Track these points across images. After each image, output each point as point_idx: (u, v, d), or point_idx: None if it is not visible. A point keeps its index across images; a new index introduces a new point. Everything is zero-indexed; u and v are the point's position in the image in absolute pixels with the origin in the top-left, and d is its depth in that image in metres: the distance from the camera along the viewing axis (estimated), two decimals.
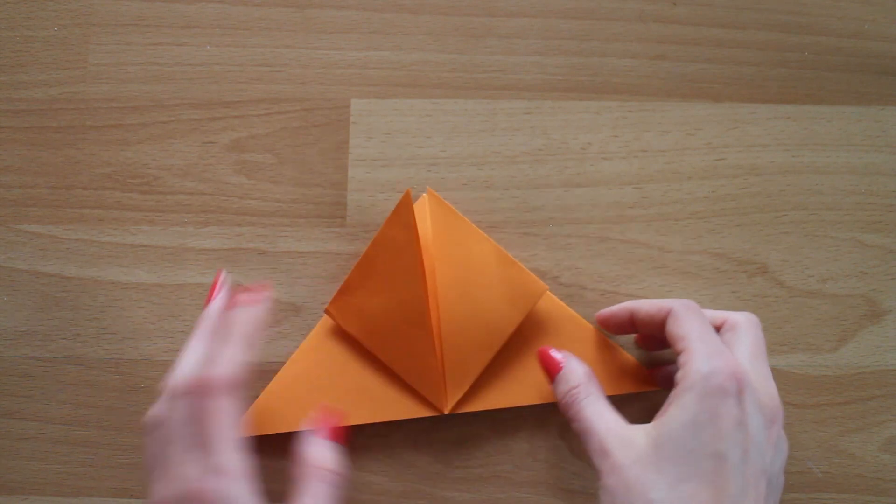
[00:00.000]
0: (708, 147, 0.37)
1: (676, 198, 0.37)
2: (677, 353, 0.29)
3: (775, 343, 0.36)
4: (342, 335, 0.35)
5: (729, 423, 0.27)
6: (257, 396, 0.35)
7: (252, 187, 0.37)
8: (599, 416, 0.29)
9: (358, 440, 0.35)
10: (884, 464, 0.36)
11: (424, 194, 0.36)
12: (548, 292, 0.34)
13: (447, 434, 0.36)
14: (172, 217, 0.37)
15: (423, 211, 0.35)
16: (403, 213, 0.33)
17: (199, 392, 0.28)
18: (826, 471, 0.36)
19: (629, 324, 0.33)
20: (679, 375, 0.29)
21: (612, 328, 0.34)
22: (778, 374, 0.36)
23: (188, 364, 0.29)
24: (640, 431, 0.28)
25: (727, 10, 0.38)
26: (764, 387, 0.29)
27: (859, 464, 0.36)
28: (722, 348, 0.29)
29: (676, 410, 0.28)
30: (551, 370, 0.32)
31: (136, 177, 0.37)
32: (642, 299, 0.34)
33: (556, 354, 0.32)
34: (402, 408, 0.34)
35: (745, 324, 0.31)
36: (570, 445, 0.36)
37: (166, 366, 0.36)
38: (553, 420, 0.36)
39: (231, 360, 0.29)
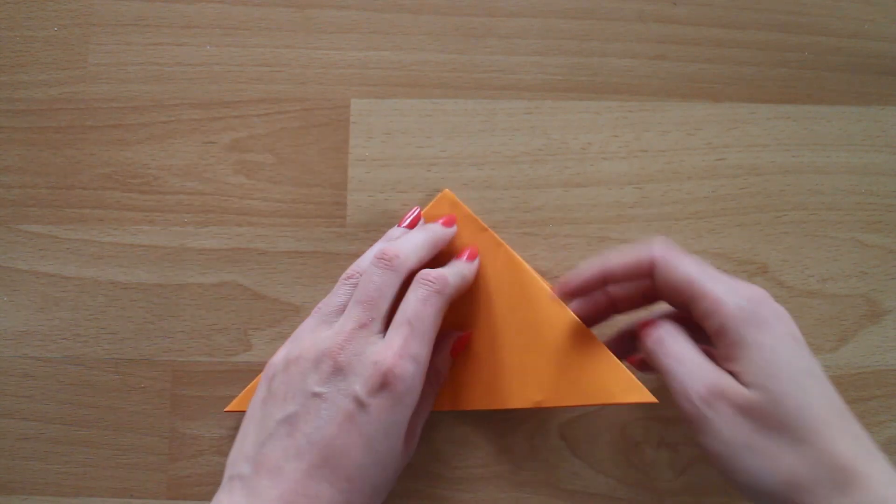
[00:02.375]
0: (708, 147, 0.37)
1: (676, 198, 0.37)
2: (684, 300, 0.28)
3: None
4: None
5: (790, 340, 0.27)
6: None
7: (252, 187, 0.37)
8: (693, 360, 0.29)
9: None
10: None
11: (439, 193, 0.36)
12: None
13: (447, 434, 0.36)
14: (172, 217, 0.37)
15: (440, 209, 0.36)
16: (438, 212, 0.35)
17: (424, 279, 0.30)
18: None
19: (601, 287, 0.31)
20: (716, 323, 0.27)
21: (586, 308, 0.32)
22: None
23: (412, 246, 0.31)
24: (735, 378, 0.27)
25: (727, 10, 0.38)
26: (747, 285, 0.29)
27: None
28: (727, 276, 0.28)
29: (752, 351, 0.27)
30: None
31: (136, 177, 0.37)
32: (608, 254, 0.31)
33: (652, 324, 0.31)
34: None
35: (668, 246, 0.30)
36: (570, 445, 0.36)
37: (166, 366, 0.36)
38: (553, 420, 0.36)
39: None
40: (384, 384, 0.27)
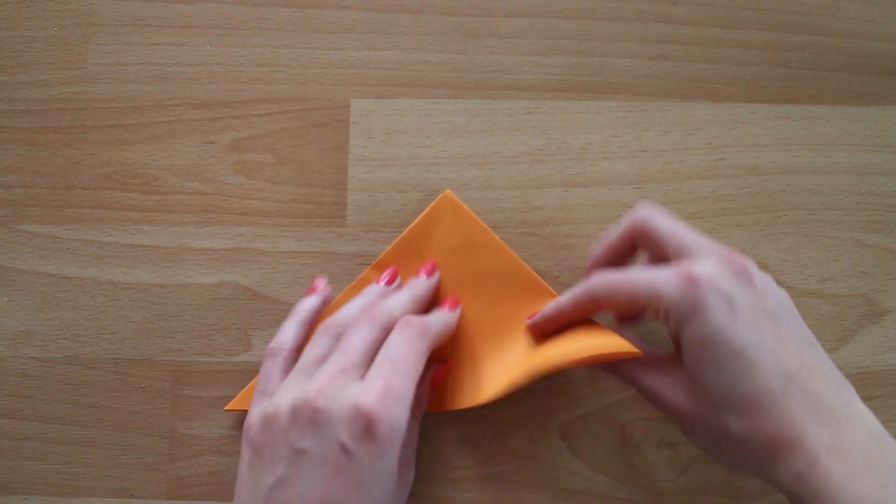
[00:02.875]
0: (708, 147, 0.37)
1: (676, 198, 0.37)
2: (673, 259, 0.29)
3: None
4: None
5: (724, 319, 0.27)
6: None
7: (252, 187, 0.37)
8: (649, 376, 0.29)
9: None
10: None
11: (440, 193, 0.36)
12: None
13: (447, 434, 0.36)
14: (172, 217, 0.37)
15: (441, 210, 0.36)
16: (438, 215, 0.35)
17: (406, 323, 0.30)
18: None
19: (591, 310, 0.31)
20: (664, 314, 0.28)
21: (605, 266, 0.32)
22: None
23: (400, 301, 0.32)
24: (680, 371, 0.28)
25: (727, 10, 0.38)
26: (717, 262, 0.28)
27: None
28: (705, 239, 0.29)
29: (686, 346, 0.27)
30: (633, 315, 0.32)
31: (136, 177, 0.37)
32: (602, 236, 0.32)
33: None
34: None
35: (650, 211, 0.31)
36: (570, 445, 0.36)
37: (166, 366, 0.36)
38: (553, 420, 0.36)
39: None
40: (368, 429, 0.26)
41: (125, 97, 0.38)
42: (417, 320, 0.30)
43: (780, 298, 0.28)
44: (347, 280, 0.36)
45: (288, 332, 0.32)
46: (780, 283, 0.36)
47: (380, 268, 0.35)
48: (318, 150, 0.37)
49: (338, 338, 0.31)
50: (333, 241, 0.37)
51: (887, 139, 0.37)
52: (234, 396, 0.35)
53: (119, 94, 0.38)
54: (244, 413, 0.36)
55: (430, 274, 0.34)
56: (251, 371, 0.36)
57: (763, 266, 0.36)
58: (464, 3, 0.38)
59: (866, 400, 0.36)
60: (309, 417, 0.27)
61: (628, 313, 0.32)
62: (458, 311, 0.34)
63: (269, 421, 0.28)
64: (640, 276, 0.28)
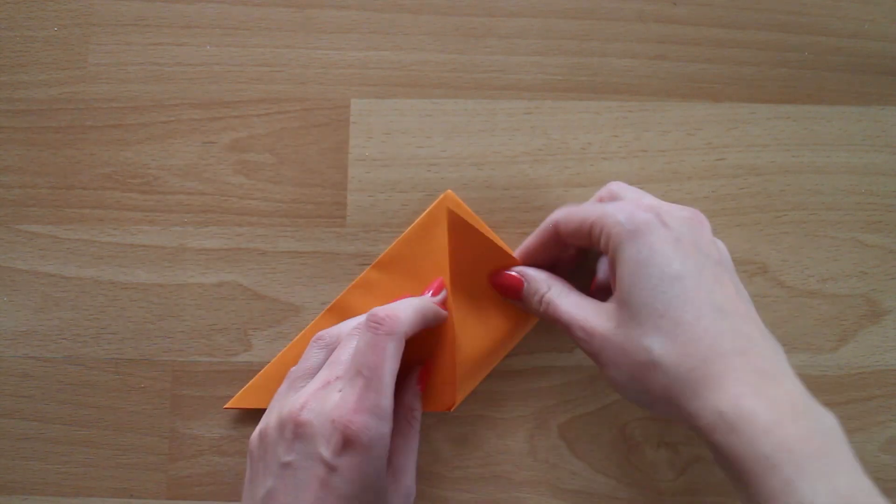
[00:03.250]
0: (708, 147, 0.37)
1: (676, 198, 0.37)
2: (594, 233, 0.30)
3: None
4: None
5: (667, 246, 0.27)
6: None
7: (252, 187, 0.37)
8: (574, 306, 0.30)
9: None
10: (884, 464, 0.36)
11: (443, 194, 0.36)
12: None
13: (447, 434, 0.36)
14: (172, 217, 0.37)
15: (441, 212, 0.36)
16: (439, 215, 0.35)
17: (380, 327, 0.29)
18: None
19: (554, 242, 0.32)
20: (604, 239, 0.29)
21: (537, 256, 0.33)
22: None
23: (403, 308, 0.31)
24: (610, 302, 0.29)
25: (727, 10, 0.38)
26: (674, 205, 0.29)
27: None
28: (631, 197, 0.30)
29: (622, 266, 0.28)
30: (516, 288, 0.33)
31: (136, 177, 0.37)
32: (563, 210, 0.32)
33: (511, 273, 0.33)
34: None
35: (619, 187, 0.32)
36: (569, 445, 0.36)
37: (166, 366, 0.36)
38: (553, 420, 0.36)
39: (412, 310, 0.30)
40: (346, 442, 0.27)
41: (125, 97, 0.38)
42: (384, 315, 0.29)
43: (726, 258, 0.29)
44: (347, 280, 0.36)
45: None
46: (780, 283, 0.36)
47: (380, 268, 0.35)
48: (318, 150, 0.37)
49: (329, 350, 0.31)
50: (333, 241, 0.37)
51: (887, 139, 0.37)
52: (234, 396, 0.35)
53: (119, 94, 0.38)
54: (244, 412, 0.36)
55: (436, 293, 0.34)
56: (251, 371, 0.36)
57: (763, 266, 0.37)
58: (464, 3, 0.38)
59: (866, 400, 0.36)
60: (293, 431, 0.28)
61: (578, 242, 0.32)
62: (437, 298, 0.33)
63: (261, 435, 0.30)
64: (595, 205, 0.30)
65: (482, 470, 0.36)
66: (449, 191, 0.36)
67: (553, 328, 0.35)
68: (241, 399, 0.35)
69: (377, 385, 0.28)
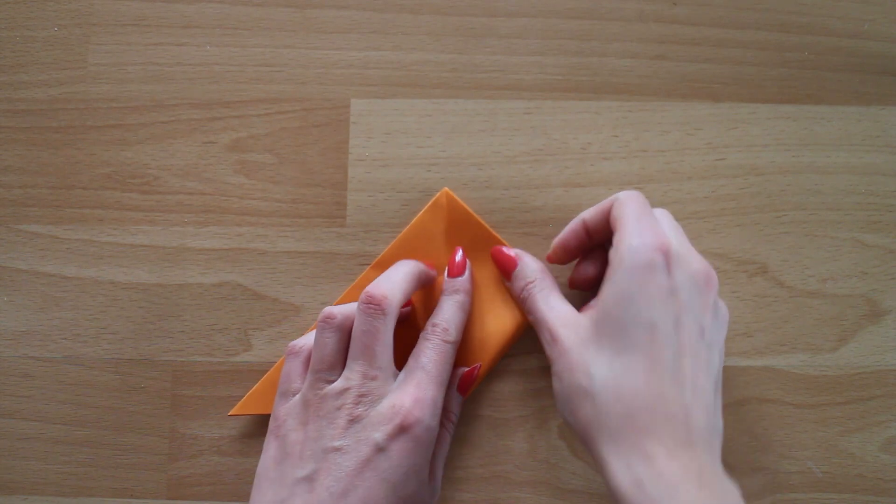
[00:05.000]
0: (708, 147, 0.37)
1: (676, 198, 0.37)
2: (614, 235, 0.30)
3: (775, 343, 0.36)
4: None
5: (658, 293, 0.27)
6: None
7: (252, 187, 0.37)
8: (551, 308, 0.31)
9: None
10: (884, 464, 0.36)
11: (440, 192, 0.36)
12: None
13: None
14: (172, 217, 0.37)
15: (440, 210, 0.36)
16: (437, 213, 0.35)
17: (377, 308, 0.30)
18: (826, 471, 0.36)
19: (585, 235, 0.33)
20: (611, 254, 0.29)
21: (572, 250, 0.34)
22: (778, 374, 0.36)
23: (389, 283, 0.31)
24: (584, 316, 0.29)
25: (727, 10, 0.38)
26: (693, 256, 0.29)
27: (859, 464, 0.36)
28: (653, 225, 0.29)
29: (609, 287, 0.28)
30: (508, 267, 0.33)
31: (136, 177, 0.37)
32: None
33: (509, 252, 0.34)
34: None
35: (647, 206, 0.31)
36: (570, 445, 0.36)
37: (166, 366, 0.36)
38: (553, 420, 0.36)
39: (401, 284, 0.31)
40: (403, 428, 0.28)
41: (125, 97, 0.38)
42: (444, 326, 0.31)
43: (721, 322, 0.29)
44: (348, 280, 0.36)
45: (312, 335, 0.33)
46: (780, 283, 0.36)
47: (380, 267, 0.35)
48: (318, 150, 0.37)
49: (340, 330, 0.31)
50: (333, 241, 0.37)
51: (887, 139, 0.37)
52: (234, 396, 0.35)
53: (119, 94, 0.38)
54: (245, 416, 0.36)
55: (430, 266, 0.35)
56: (251, 371, 0.36)
57: (763, 266, 0.37)
58: (464, 3, 0.38)
59: (866, 400, 0.36)
60: (347, 420, 0.28)
61: (599, 229, 0.32)
62: (466, 286, 0.34)
63: (302, 422, 0.29)
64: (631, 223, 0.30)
65: (482, 470, 0.36)
66: (446, 188, 0.36)
67: None
68: (245, 405, 0.35)
69: (436, 379, 0.30)
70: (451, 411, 0.33)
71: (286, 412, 0.30)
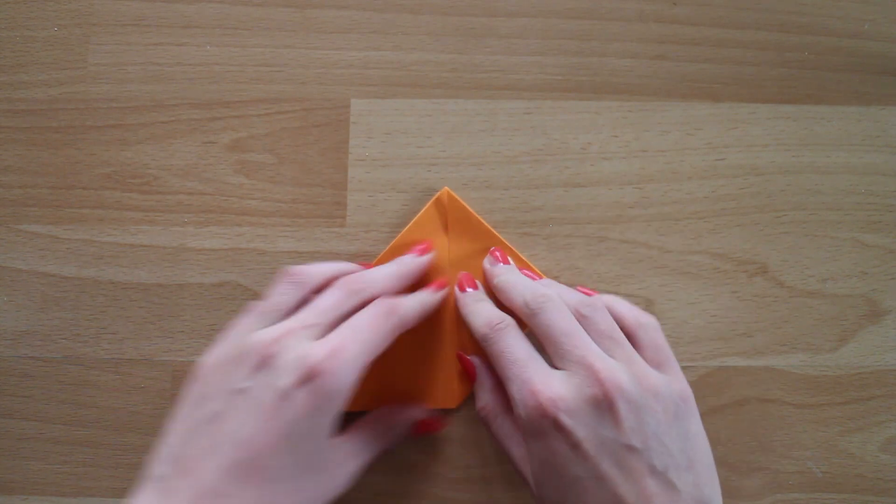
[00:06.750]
0: (708, 147, 0.37)
1: (676, 198, 0.37)
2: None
3: (775, 343, 0.36)
4: None
5: (566, 450, 0.27)
6: None
7: (252, 187, 0.37)
8: (508, 435, 0.31)
9: None
10: (884, 464, 0.36)
11: (440, 191, 0.36)
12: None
13: (447, 434, 0.36)
14: (172, 217, 0.37)
15: (441, 208, 0.36)
16: (437, 212, 0.35)
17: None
18: (826, 471, 0.36)
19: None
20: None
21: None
22: (778, 374, 0.36)
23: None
24: (528, 467, 0.29)
25: (727, 10, 0.38)
26: (579, 397, 0.28)
27: (859, 464, 0.36)
28: (538, 368, 0.29)
29: (531, 456, 0.29)
30: (469, 373, 0.34)
31: (136, 177, 0.37)
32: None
33: (471, 359, 0.34)
34: (412, 399, 0.34)
35: (639, 330, 0.31)
36: None
37: (166, 366, 0.36)
38: None
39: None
40: (310, 377, 0.26)
41: (125, 97, 0.38)
42: (389, 300, 0.30)
43: (653, 419, 0.27)
44: None
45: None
46: (780, 283, 0.36)
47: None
48: (318, 150, 0.37)
49: (302, 288, 0.30)
50: (333, 241, 0.37)
51: (887, 139, 0.37)
52: None
53: (119, 94, 0.38)
54: None
55: (421, 253, 0.34)
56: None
57: (763, 266, 0.37)
58: (464, 3, 0.38)
59: (866, 400, 0.36)
60: (257, 360, 0.27)
61: None
62: (442, 293, 0.34)
63: (220, 361, 0.28)
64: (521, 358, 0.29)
65: (482, 470, 0.36)
66: (446, 188, 0.36)
67: None
68: None
69: (363, 343, 0.28)
70: (397, 435, 0.33)
71: (222, 345, 0.29)
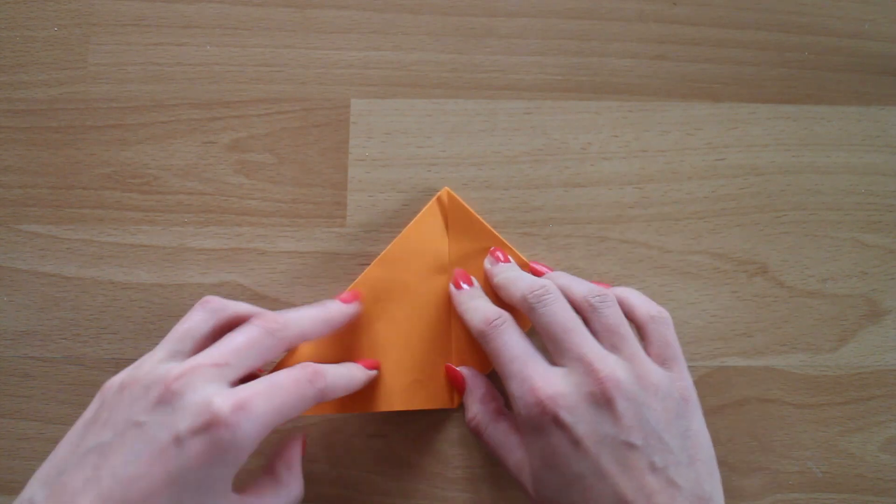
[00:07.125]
0: (708, 147, 0.37)
1: (676, 198, 0.37)
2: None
3: (775, 343, 0.36)
4: (356, 321, 0.34)
5: (567, 447, 0.27)
6: None
7: (252, 187, 0.37)
8: (500, 440, 0.31)
9: (358, 440, 0.35)
10: (884, 464, 0.36)
11: (440, 191, 0.36)
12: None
13: (447, 434, 0.36)
14: (172, 217, 0.37)
15: (440, 208, 0.36)
16: (438, 211, 0.35)
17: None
18: (826, 471, 0.36)
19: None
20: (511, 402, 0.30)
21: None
22: (778, 374, 0.36)
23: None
24: (526, 469, 0.29)
25: (727, 10, 0.38)
26: (580, 398, 0.28)
27: (859, 464, 0.36)
28: (537, 365, 0.29)
29: (530, 454, 0.29)
30: (458, 385, 0.34)
31: (136, 177, 0.37)
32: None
33: (459, 370, 0.34)
34: (411, 399, 0.34)
35: (649, 324, 0.30)
36: None
37: None
38: None
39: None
40: (209, 426, 0.24)
41: (125, 97, 0.38)
42: (315, 366, 0.28)
43: (653, 416, 0.27)
44: (348, 280, 0.36)
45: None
46: (780, 283, 0.36)
47: (379, 266, 0.35)
48: (318, 150, 0.37)
49: (217, 316, 0.29)
50: (333, 241, 0.37)
51: (887, 139, 0.37)
52: None
53: (119, 94, 0.38)
54: None
55: (347, 301, 0.32)
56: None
57: (763, 266, 0.37)
58: (464, 3, 0.38)
59: (866, 400, 0.36)
60: (158, 394, 0.25)
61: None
62: (371, 374, 0.32)
63: (125, 386, 0.26)
64: (523, 361, 0.29)
65: (482, 470, 0.36)
66: (446, 188, 0.36)
67: None
68: None
69: (274, 406, 0.26)
70: (286, 481, 0.30)
71: (132, 370, 0.27)
